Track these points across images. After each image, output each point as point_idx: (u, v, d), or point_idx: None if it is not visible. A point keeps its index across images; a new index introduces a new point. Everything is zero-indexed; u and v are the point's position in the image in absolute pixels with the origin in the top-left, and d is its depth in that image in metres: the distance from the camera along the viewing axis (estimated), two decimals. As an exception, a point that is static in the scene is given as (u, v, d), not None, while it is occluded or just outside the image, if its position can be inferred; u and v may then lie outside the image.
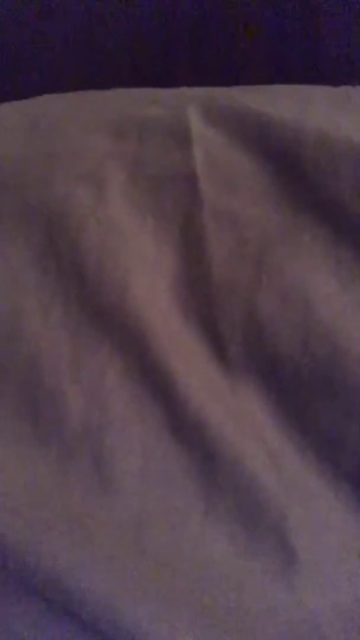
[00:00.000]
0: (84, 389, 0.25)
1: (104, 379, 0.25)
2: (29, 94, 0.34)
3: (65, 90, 0.35)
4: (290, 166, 0.26)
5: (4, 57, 0.42)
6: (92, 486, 0.24)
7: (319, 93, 0.30)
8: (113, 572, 0.22)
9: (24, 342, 0.25)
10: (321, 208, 0.26)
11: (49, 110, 0.30)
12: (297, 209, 0.26)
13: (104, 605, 0.21)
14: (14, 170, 0.27)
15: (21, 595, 0.21)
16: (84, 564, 0.22)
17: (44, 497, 0.23)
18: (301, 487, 0.25)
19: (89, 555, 0.22)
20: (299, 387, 0.25)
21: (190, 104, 0.27)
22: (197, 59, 0.42)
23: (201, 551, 0.24)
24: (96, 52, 0.41)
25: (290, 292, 0.25)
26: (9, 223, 0.26)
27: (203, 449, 0.24)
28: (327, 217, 0.26)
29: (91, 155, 0.27)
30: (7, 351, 0.25)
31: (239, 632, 0.22)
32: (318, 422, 0.25)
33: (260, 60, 0.41)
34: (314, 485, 0.25)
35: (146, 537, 0.23)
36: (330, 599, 0.24)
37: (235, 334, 0.26)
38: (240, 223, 0.26)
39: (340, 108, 0.28)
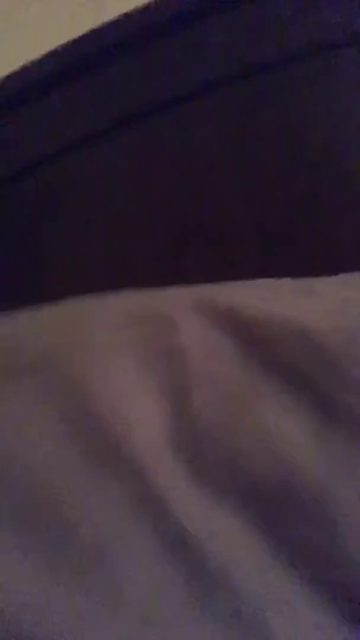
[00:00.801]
0: (95, 513, 0.29)
1: (111, 505, 0.29)
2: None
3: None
4: (254, 340, 0.33)
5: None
6: (99, 595, 0.27)
7: (286, 285, 0.38)
8: None
9: (48, 481, 0.30)
10: (283, 370, 0.32)
11: (74, 309, 0.40)
12: (263, 371, 0.32)
13: None
14: (46, 357, 0.35)
15: None
16: None
17: (55, 601, 0.26)
18: (282, 595, 0.27)
19: None
20: (276, 508, 0.29)
21: (179, 299, 0.37)
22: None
23: None
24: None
25: (261, 432, 0.30)
26: (40, 398, 0.33)
27: (194, 561, 0.28)
28: (288, 380, 0.32)
29: (108, 341, 0.35)
30: (35, 490, 0.29)
31: None
32: (293, 536, 0.28)
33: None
34: (293, 592, 0.27)
35: (148, 637, 0.26)
36: None
37: (219, 468, 0.30)
38: (218, 380, 0.33)
39: (301, 297, 0.36)
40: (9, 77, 0.60)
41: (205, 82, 0.54)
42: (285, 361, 0.32)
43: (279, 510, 0.29)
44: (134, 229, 0.56)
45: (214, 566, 0.27)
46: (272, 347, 0.32)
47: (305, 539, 0.28)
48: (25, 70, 0.59)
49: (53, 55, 0.58)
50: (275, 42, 0.54)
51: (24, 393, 0.33)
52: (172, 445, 0.31)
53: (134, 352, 0.34)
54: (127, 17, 0.60)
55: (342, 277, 0.38)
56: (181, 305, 0.36)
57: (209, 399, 0.32)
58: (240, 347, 0.33)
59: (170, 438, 0.31)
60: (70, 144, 0.59)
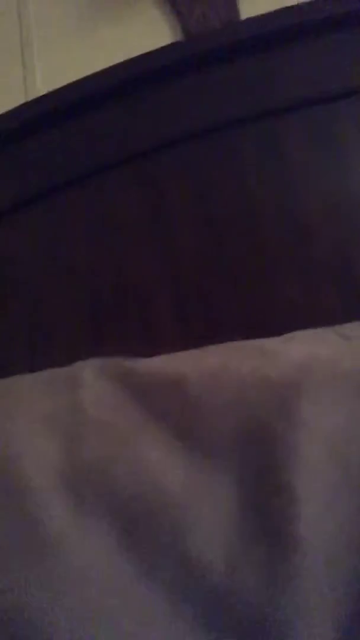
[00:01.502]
0: None
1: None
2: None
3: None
4: (141, 393, 0.40)
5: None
6: None
7: (186, 355, 0.44)
8: None
9: None
10: (159, 415, 0.38)
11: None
12: (145, 417, 0.39)
13: None
14: None
15: None
16: None
17: None
18: (142, 607, 0.31)
19: None
20: (138, 523, 0.34)
21: (86, 364, 0.44)
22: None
23: None
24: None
25: (135, 462, 0.36)
26: None
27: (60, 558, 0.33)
28: (160, 421, 0.38)
29: (22, 400, 0.42)
30: None
31: None
32: (152, 542, 0.33)
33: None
34: (150, 595, 0.32)
35: None
36: None
37: (99, 496, 0.35)
38: (109, 426, 0.39)
39: (196, 357, 0.43)
40: None
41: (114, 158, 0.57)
42: (161, 407, 0.39)
43: (139, 524, 0.34)
44: (54, 300, 0.57)
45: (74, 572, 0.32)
46: (153, 397, 0.40)
47: (160, 545, 0.33)
48: None
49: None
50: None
51: None
52: (63, 479, 0.36)
53: (42, 406, 0.41)
54: (50, 95, 0.62)
55: (235, 343, 0.45)
56: (89, 368, 0.43)
57: (99, 440, 0.38)
58: (130, 400, 0.40)
59: (61, 473, 0.37)
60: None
